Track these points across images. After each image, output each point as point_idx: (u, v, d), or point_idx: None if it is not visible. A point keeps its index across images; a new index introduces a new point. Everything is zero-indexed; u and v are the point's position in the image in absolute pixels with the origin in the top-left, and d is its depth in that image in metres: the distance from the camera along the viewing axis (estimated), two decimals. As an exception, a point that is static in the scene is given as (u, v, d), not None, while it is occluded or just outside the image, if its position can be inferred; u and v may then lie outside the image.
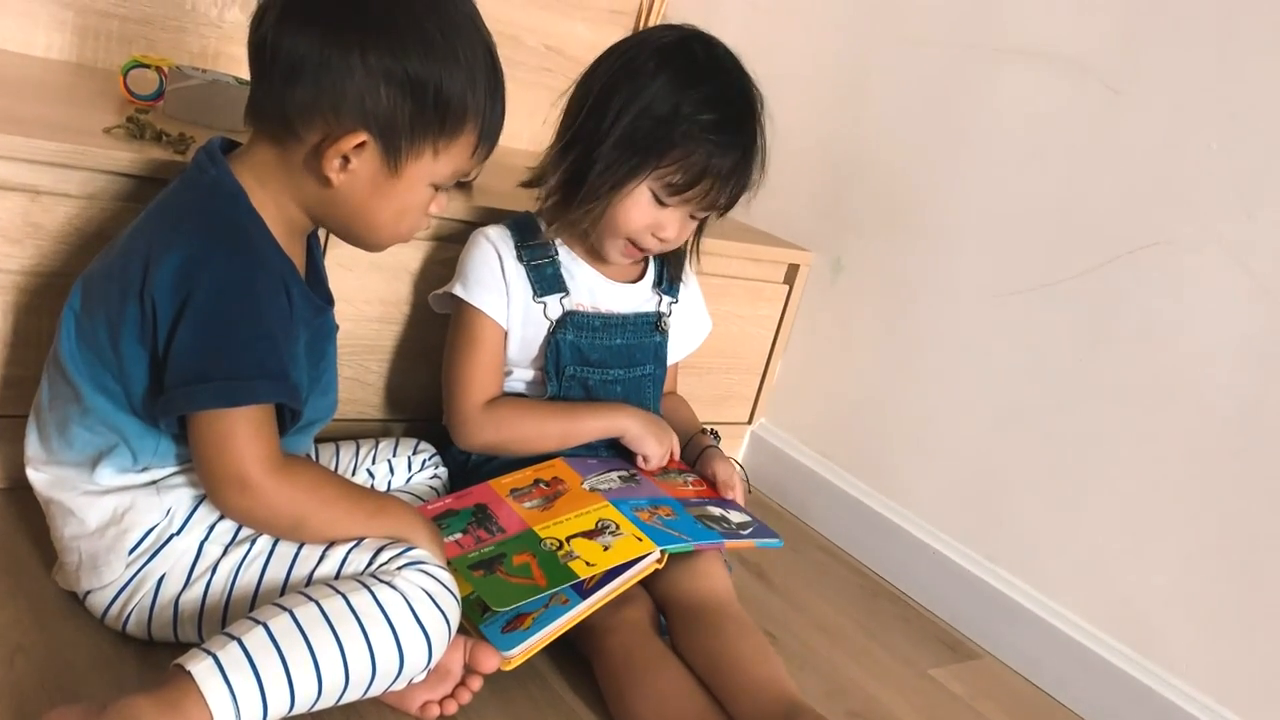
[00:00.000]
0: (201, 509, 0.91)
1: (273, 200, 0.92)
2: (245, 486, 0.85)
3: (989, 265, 1.43)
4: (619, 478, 1.18)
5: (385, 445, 1.18)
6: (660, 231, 1.17)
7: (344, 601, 0.83)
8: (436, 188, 0.95)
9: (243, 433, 0.84)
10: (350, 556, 0.89)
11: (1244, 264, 1.19)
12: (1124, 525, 1.29)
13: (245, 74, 1.43)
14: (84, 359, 0.89)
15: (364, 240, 0.96)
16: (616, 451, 1.24)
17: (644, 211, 1.15)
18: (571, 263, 1.23)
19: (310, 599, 0.83)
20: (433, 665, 0.88)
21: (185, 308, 0.84)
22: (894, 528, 1.51)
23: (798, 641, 1.28)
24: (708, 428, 1.33)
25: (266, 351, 0.86)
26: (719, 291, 1.52)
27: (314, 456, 1.13)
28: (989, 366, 1.43)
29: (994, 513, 1.42)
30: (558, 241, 1.22)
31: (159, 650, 0.92)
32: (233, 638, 0.79)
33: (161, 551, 0.90)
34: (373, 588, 0.84)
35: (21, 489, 1.00)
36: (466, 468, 1.23)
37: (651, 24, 1.88)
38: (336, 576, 0.88)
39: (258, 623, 0.80)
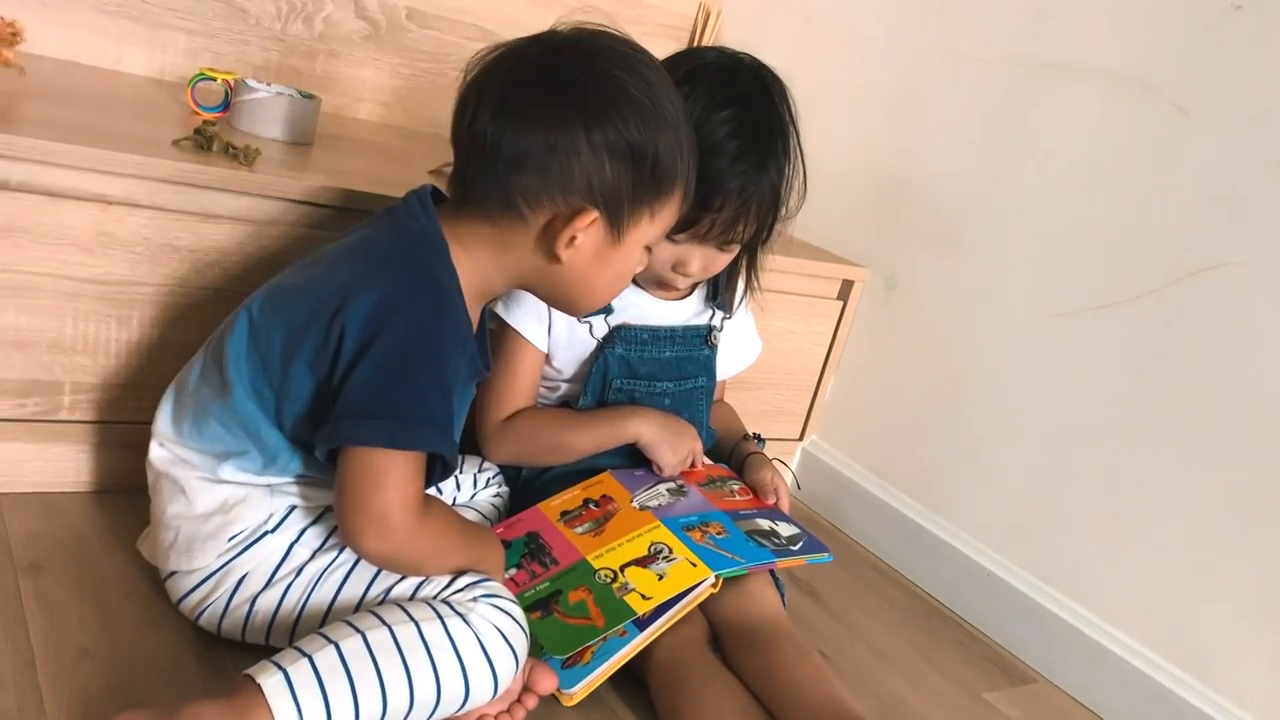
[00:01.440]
0: (298, 512, 0.92)
1: (474, 267, 0.93)
2: (386, 528, 0.85)
3: (1047, 284, 1.42)
4: (667, 490, 1.18)
5: None
6: (683, 268, 1.13)
7: (416, 630, 0.83)
8: (649, 249, 0.98)
9: (398, 475, 0.84)
10: (430, 578, 0.90)
11: (1314, 286, 1.17)
12: (1184, 550, 1.26)
13: (307, 87, 1.47)
14: (249, 362, 0.91)
15: (578, 304, 0.99)
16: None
17: (658, 250, 1.09)
18: None
19: (384, 622, 0.83)
20: (498, 696, 0.89)
21: (372, 344, 0.85)
22: (947, 548, 1.49)
23: (850, 662, 1.27)
24: (750, 433, 1.32)
25: (438, 403, 0.87)
26: (772, 307, 1.51)
27: None
28: (1046, 386, 1.41)
29: (1050, 535, 1.40)
30: None
31: (223, 655, 0.93)
32: (304, 654, 0.79)
33: (252, 548, 0.91)
34: (446, 618, 0.85)
35: (106, 493, 1.01)
36: (518, 484, 1.23)
37: (706, 38, 1.89)
38: (411, 597, 0.88)
39: (330, 641, 0.80)
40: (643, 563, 1.06)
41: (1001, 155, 1.49)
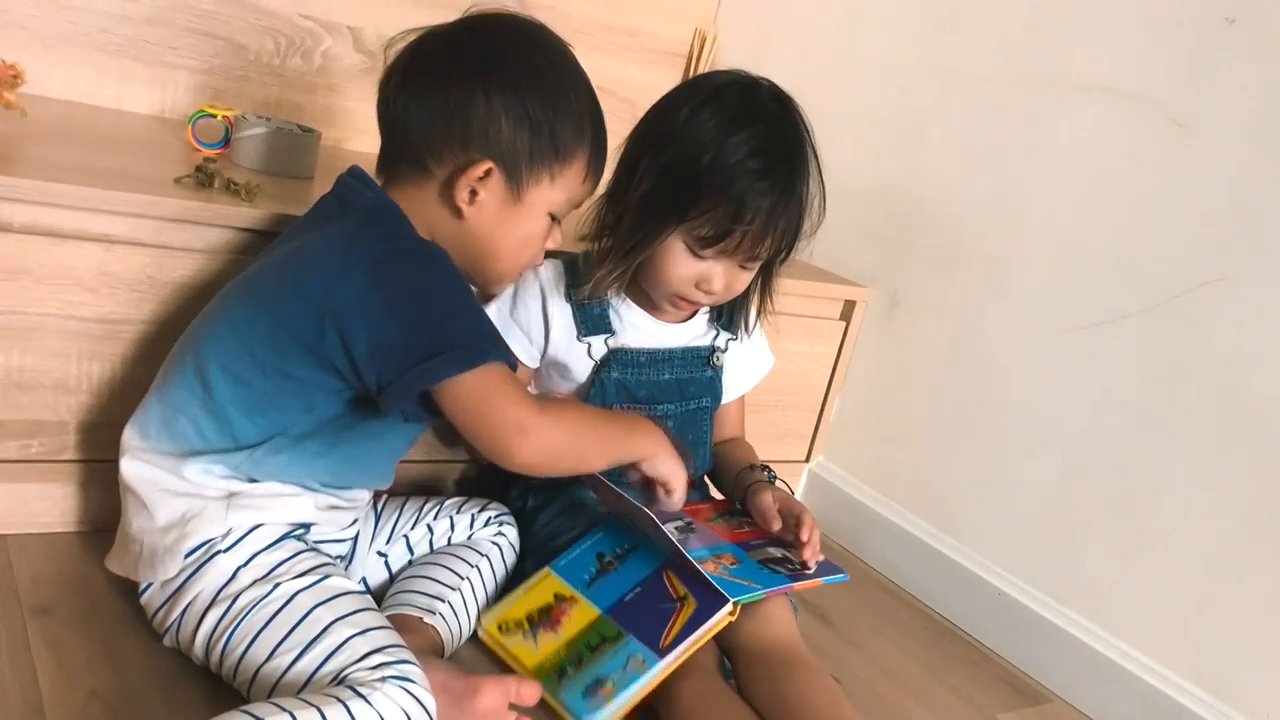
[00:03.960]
0: (254, 536, 0.92)
1: (426, 231, 0.99)
2: (524, 430, 0.91)
3: (1051, 300, 1.41)
4: (675, 529, 1.17)
5: (452, 503, 1.17)
6: (706, 285, 1.14)
7: (319, 715, 0.80)
8: (554, 218, 1.02)
9: (497, 387, 0.91)
10: (349, 643, 0.86)
11: (1318, 298, 1.17)
12: (1199, 567, 1.25)
13: (307, 121, 1.47)
14: (231, 355, 0.93)
15: (488, 269, 1.03)
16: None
17: (682, 264, 1.13)
18: (621, 304, 1.23)
19: (283, 709, 0.79)
20: None
21: (381, 309, 0.90)
22: (958, 568, 1.48)
23: (862, 685, 1.26)
24: (756, 464, 1.31)
25: (473, 316, 0.94)
26: (775, 328, 1.51)
27: (379, 506, 1.15)
28: (1054, 402, 1.41)
29: (1061, 552, 1.39)
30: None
31: (225, 695, 0.92)
32: None
33: (206, 566, 0.91)
34: (348, 702, 0.81)
35: (112, 533, 1.01)
36: (523, 514, 1.23)
37: (702, 66, 1.89)
38: (327, 658, 0.85)
39: None
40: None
41: (1002, 173, 1.49)
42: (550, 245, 1.04)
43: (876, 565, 1.59)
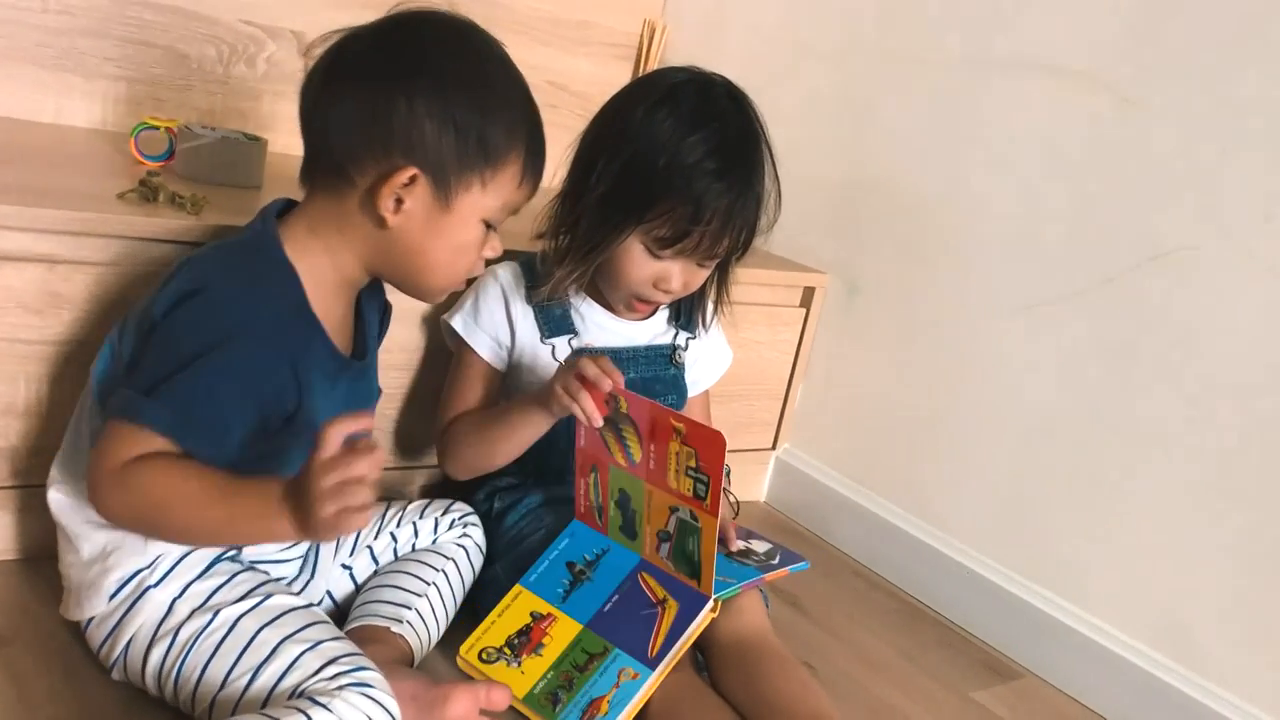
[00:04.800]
0: (184, 564, 0.90)
1: (325, 250, 0.94)
2: (92, 487, 0.84)
3: (1008, 279, 1.42)
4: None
5: (414, 508, 1.15)
6: (664, 284, 1.14)
7: None
8: (489, 225, 0.97)
9: (122, 442, 0.82)
10: (301, 659, 0.85)
11: (1268, 266, 1.18)
12: (1163, 537, 1.27)
13: (253, 129, 1.45)
14: (109, 380, 0.91)
15: (421, 283, 0.97)
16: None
17: (640, 265, 1.12)
18: (582, 304, 1.22)
19: None
20: None
21: (162, 322, 0.87)
22: (928, 549, 1.49)
23: (837, 671, 1.26)
24: None
25: (184, 384, 0.84)
26: (736, 318, 1.50)
27: None
28: (1014, 380, 1.41)
29: (1029, 529, 1.40)
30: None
31: None
32: None
33: (139, 602, 0.89)
34: (308, 711, 0.80)
35: (41, 559, 0.99)
36: (491, 517, 1.21)
37: (652, 58, 1.89)
38: (282, 675, 0.84)
39: None
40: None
41: (955, 156, 1.49)
42: (489, 254, 0.99)
43: (847, 550, 1.60)
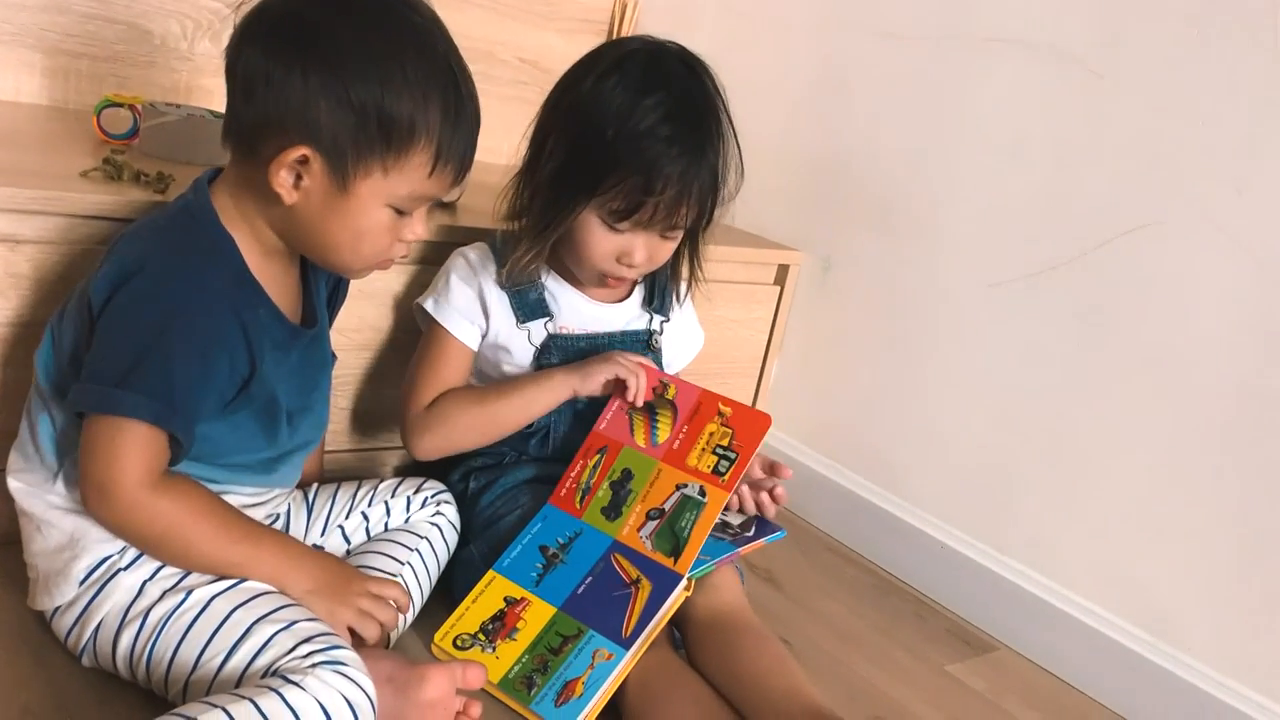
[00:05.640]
0: None
1: (244, 218, 0.92)
2: (104, 497, 0.85)
3: (981, 255, 1.43)
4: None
5: (385, 486, 1.14)
6: (627, 258, 1.12)
7: (253, 707, 0.78)
8: (398, 211, 0.92)
9: (112, 442, 0.84)
10: (275, 639, 0.84)
11: (1236, 240, 1.19)
12: (1134, 509, 1.28)
13: (219, 106, 1.42)
14: (54, 366, 0.91)
15: (329, 260, 0.94)
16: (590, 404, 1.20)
17: (600, 240, 1.11)
18: (556, 285, 1.21)
19: (216, 705, 0.77)
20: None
21: (106, 306, 0.85)
22: (902, 524, 1.50)
23: (813, 646, 1.27)
24: None
25: (155, 370, 0.84)
26: (710, 296, 1.50)
27: (311, 496, 1.12)
28: (987, 356, 1.42)
29: (1002, 503, 1.41)
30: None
31: (161, 704, 0.89)
32: None
33: (108, 585, 0.88)
34: (281, 689, 0.79)
35: (18, 544, 0.98)
36: (466, 498, 1.21)
37: (625, 29, 1.87)
38: (256, 654, 0.84)
39: None
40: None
41: (927, 131, 1.49)
42: (408, 238, 0.93)
43: (822, 526, 1.61)
